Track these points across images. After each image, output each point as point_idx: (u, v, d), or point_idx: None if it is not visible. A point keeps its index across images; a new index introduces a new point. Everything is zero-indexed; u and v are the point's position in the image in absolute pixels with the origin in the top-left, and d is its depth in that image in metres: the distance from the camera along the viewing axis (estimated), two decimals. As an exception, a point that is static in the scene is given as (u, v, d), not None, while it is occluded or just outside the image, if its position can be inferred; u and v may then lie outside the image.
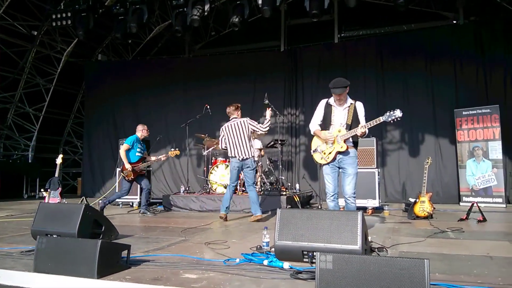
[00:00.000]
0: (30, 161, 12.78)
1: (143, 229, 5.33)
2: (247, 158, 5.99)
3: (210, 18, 12.15)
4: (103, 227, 4.01)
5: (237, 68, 11.55)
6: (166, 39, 13.46)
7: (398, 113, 4.23)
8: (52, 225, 3.88)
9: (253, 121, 6.25)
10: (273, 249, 3.43)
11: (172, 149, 7.55)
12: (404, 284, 2.08)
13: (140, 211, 7.26)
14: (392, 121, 4.31)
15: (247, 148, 6.01)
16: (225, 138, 6.18)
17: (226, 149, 6.18)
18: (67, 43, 12.28)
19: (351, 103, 4.51)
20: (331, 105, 4.56)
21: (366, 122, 4.39)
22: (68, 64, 12.65)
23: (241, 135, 6.04)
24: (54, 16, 9.82)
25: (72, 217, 3.77)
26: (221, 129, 6.32)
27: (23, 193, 12.09)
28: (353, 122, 4.44)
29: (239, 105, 6.40)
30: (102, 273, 2.69)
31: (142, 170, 7.09)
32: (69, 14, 9.64)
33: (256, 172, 8.21)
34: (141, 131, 7.36)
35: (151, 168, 9.22)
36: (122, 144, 7.33)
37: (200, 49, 13.62)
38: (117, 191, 7.95)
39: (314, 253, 3.07)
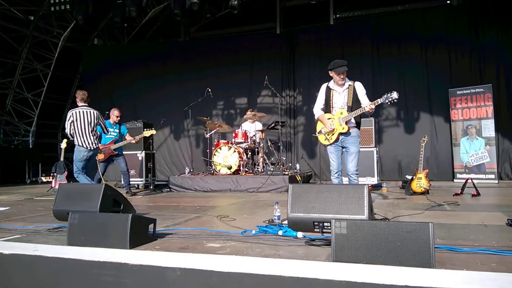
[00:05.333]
0: (31, 146, 12.90)
1: (155, 208, 5.58)
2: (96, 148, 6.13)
3: (206, 0, 12.18)
4: (122, 206, 4.23)
5: (234, 51, 11.69)
6: (161, 22, 13.46)
7: (395, 95, 4.46)
8: (74, 204, 4.06)
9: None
10: (284, 221, 3.70)
11: (146, 130, 7.83)
12: (411, 245, 2.34)
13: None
14: (389, 103, 4.55)
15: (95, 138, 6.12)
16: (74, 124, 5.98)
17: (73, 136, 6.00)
18: (64, 27, 12.27)
19: (350, 84, 4.72)
20: (331, 89, 4.77)
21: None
22: (64, 48, 12.66)
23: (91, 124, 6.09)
24: (52, 1, 9.82)
25: (93, 196, 3.97)
26: (70, 114, 6.00)
27: (25, 178, 12.26)
28: (354, 103, 4.67)
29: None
30: (133, 244, 2.94)
31: (112, 150, 7.37)
32: (67, -1, 9.67)
33: (258, 154, 8.48)
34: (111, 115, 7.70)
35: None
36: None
37: (195, 32, 13.64)
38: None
39: (325, 223, 3.35)
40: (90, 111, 6.07)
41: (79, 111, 6.02)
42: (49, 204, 5.81)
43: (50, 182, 8.91)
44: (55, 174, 8.69)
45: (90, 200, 4.00)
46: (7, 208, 5.85)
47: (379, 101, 4.50)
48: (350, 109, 4.64)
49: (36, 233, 3.72)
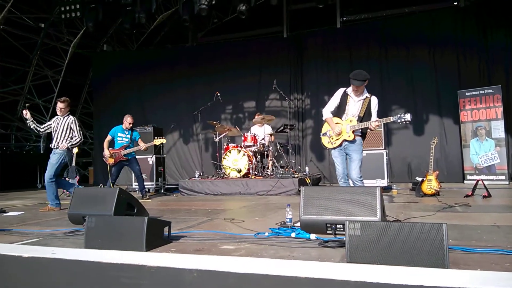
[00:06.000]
0: (42, 151, 13.07)
1: (167, 211, 5.64)
2: None
3: (214, 6, 12.24)
4: (135, 209, 4.30)
5: (241, 55, 11.77)
6: (169, 27, 13.56)
7: (408, 117, 4.54)
8: (88, 208, 4.14)
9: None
10: (296, 224, 3.74)
11: (156, 138, 7.90)
12: (425, 246, 2.36)
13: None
14: (401, 123, 4.60)
15: None
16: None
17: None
18: (73, 34, 12.45)
19: (367, 96, 4.77)
20: (347, 95, 4.81)
21: (377, 116, 4.71)
22: (74, 55, 12.83)
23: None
24: (63, 8, 9.98)
25: (107, 200, 4.05)
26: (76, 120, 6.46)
27: (37, 183, 12.41)
28: (365, 115, 4.74)
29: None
30: (150, 246, 2.99)
31: (122, 156, 7.47)
32: (77, 6, 9.81)
33: (267, 157, 8.52)
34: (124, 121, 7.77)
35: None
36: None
37: (202, 37, 13.72)
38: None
39: (337, 225, 3.38)
40: None
41: None
42: (63, 209, 5.91)
43: (62, 187, 9.01)
44: (66, 179, 8.79)
45: (104, 203, 4.08)
46: (22, 212, 5.95)
47: (392, 119, 4.59)
48: (361, 119, 4.70)
49: (52, 237, 3.79)
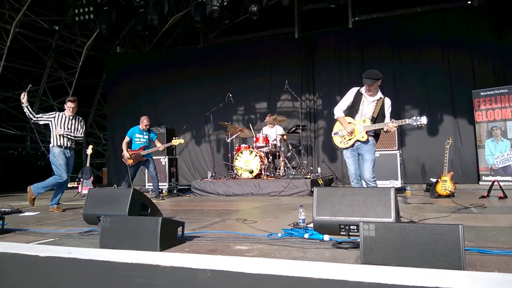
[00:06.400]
0: (56, 153, 13.23)
1: (180, 211, 5.68)
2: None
3: (225, 7, 12.27)
4: (149, 210, 4.33)
5: (253, 56, 11.76)
6: (181, 29, 13.63)
7: (424, 120, 4.49)
8: (103, 209, 4.20)
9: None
10: (309, 225, 3.72)
11: (175, 138, 7.98)
12: (440, 247, 2.33)
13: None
14: (416, 126, 4.55)
15: None
16: None
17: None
18: (87, 36, 12.60)
19: (381, 97, 4.73)
20: (361, 94, 4.78)
21: (390, 118, 4.68)
22: (88, 57, 12.98)
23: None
24: (76, 11, 10.12)
25: (122, 201, 4.10)
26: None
27: (52, 184, 12.57)
28: (379, 116, 4.70)
29: None
30: (164, 246, 3.01)
31: (142, 156, 7.55)
32: (91, 9, 9.94)
33: (279, 158, 8.52)
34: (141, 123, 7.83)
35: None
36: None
37: (213, 38, 13.76)
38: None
39: (351, 226, 3.37)
40: None
41: None
42: (78, 209, 5.99)
43: (77, 188, 9.14)
44: (81, 179, 8.92)
45: (119, 204, 4.13)
46: (38, 212, 6.04)
47: (407, 121, 4.56)
48: (374, 120, 4.66)
49: (68, 237, 3.85)
